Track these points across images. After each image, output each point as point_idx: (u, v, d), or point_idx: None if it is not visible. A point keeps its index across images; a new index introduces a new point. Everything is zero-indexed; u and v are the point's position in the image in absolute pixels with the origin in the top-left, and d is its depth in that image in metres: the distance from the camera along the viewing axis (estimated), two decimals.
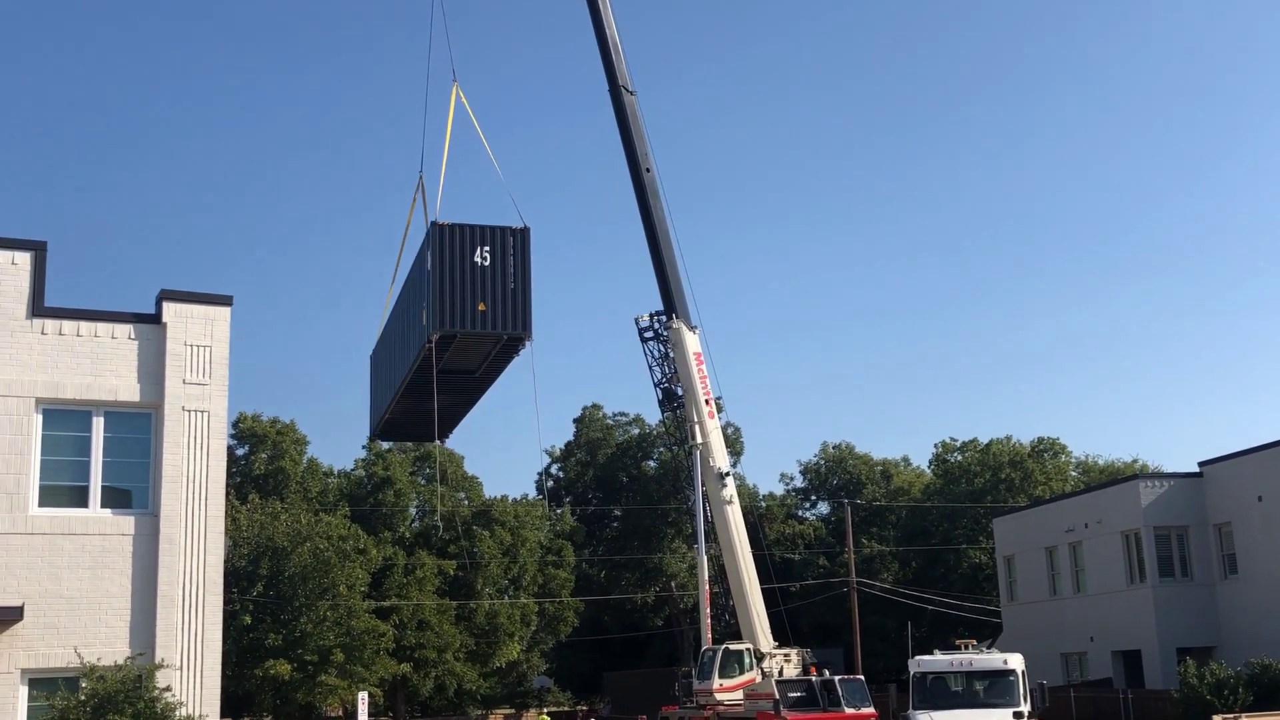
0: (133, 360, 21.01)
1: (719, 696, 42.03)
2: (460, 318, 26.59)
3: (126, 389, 20.86)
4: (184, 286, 21.86)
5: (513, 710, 72.00)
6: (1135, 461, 73.03)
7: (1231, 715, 24.96)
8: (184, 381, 21.08)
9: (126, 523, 20.50)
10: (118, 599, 20.18)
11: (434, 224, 27.22)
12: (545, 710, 65.72)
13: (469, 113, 32.10)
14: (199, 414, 21.09)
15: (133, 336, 21.10)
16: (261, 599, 48.83)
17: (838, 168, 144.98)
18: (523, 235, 27.26)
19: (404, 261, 31.65)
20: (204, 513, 20.87)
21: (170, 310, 21.32)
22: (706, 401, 43.55)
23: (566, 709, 72.55)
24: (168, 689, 18.71)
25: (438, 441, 34.82)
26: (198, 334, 21.35)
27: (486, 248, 26.85)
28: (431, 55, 34.67)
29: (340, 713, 60.14)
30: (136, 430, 20.99)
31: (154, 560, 20.39)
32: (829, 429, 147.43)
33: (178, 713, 18.47)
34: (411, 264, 30.49)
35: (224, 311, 21.69)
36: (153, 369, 21.04)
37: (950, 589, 62.43)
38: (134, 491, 20.95)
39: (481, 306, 26.66)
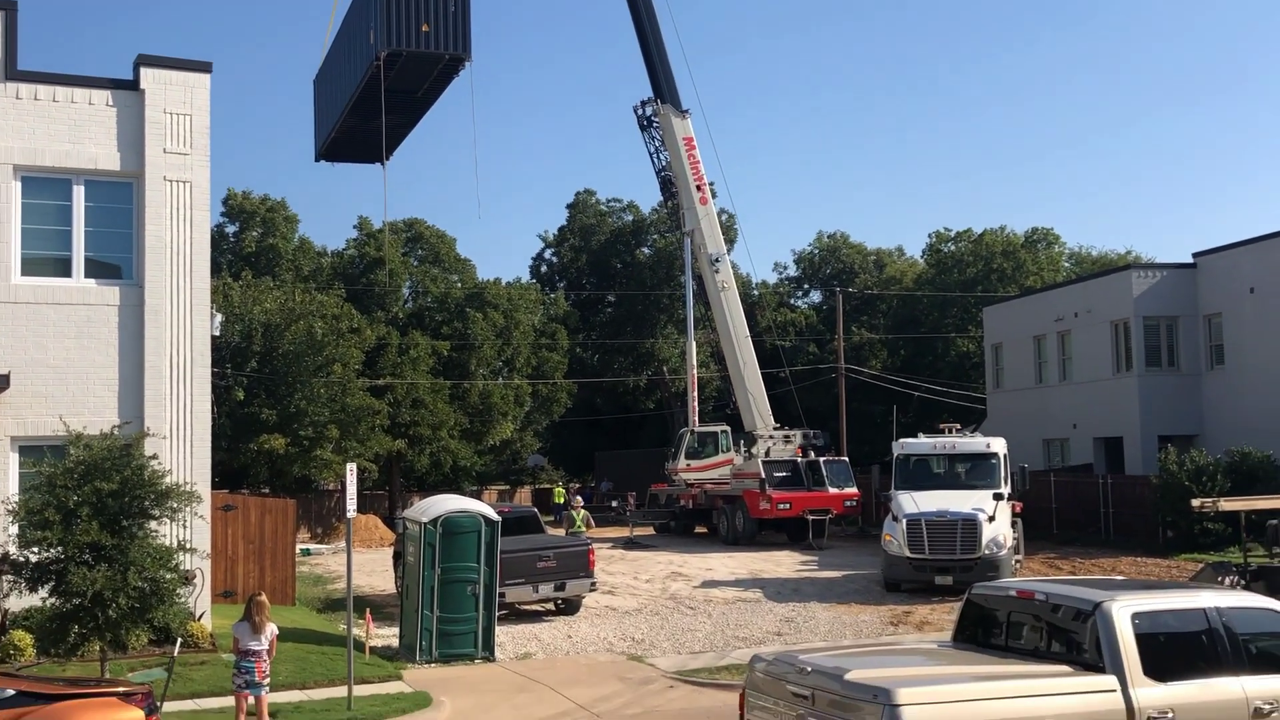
0: (112, 128, 20.60)
1: (684, 476, 43.48)
2: (406, 37, 28.81)
3: (106, 157, 20.51)
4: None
5: (507, 486, 73.49)
6: (1129, 253, 72.81)
7: (1210, 500, 25.37)
8: (164, 150, 20.75)
9: (111, 293, 20.43)
10: (105, 369, 20.27)
11: None
12: (561, 484, 66.99)
13: None
14: (181, 184, 20.79)
15: (111, 103, 20.65)
16: (256, 375, 49.18)
17: None
18: None
19: None
20: (189, 284, 20.79)
21: (149, 76, 20.80)
22: (699, 187, 43.21)
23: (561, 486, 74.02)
24: (154, 457, 18.85)
25: (382, 161, 37.42)
26: (177, 101, 20.89)
27: None
28: None
29: (335, 486, 61.38)
30: (118, 200, 20.75)
31: (140, 331, 20.42)
32: (826, 220, 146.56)
33: (166, 479, 18.65)
34: None
35: (203, 79, 21.14)
36: (133, 137, 20.67)
37: (938, 377, 62.96)
38: (120, 264, 20.81)
39: (425, 27, 28.76)
